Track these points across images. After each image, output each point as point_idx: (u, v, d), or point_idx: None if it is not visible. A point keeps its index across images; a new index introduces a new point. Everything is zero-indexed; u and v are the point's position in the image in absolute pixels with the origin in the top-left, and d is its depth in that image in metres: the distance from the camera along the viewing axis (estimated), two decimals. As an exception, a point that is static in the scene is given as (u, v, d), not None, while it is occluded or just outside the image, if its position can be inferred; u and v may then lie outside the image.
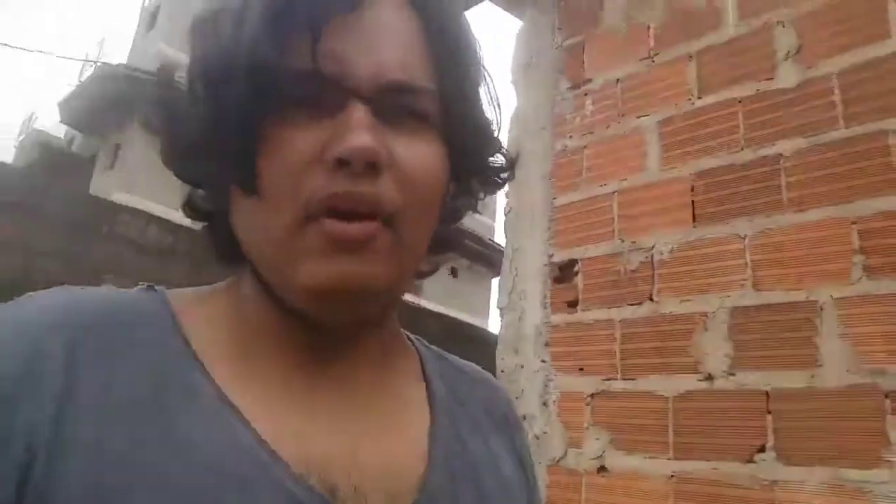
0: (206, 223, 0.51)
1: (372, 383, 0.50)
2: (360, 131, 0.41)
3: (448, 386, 0.55)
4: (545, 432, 1.66)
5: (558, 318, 1.74)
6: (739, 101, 1.60)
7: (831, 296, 1.35)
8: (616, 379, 1.59)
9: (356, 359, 0.49)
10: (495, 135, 0.52)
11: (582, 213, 1.80)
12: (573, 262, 1.77)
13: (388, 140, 0.42)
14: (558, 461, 1.62)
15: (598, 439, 1.58)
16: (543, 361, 1.74)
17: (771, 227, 1.47)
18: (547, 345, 1.74)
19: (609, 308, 1.66)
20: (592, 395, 1.62)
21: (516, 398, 1.71)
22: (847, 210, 1.37)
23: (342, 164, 0.41)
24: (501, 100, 0.52)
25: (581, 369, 1.66)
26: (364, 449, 0.45)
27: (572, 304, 1.73)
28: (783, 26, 1.57)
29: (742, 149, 1.56)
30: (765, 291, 1.44)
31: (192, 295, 0.49)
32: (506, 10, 2.34)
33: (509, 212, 1.96)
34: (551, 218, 1.86)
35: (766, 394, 1.38)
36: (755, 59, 1.60)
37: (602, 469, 1.55)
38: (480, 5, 2.46)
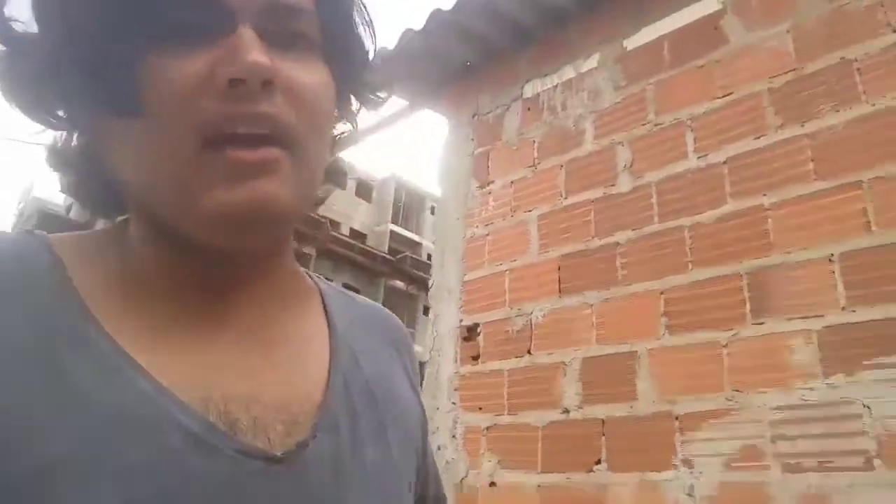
0: (76, 177, 0.48)
1: (271, 318, 0.49)
2: (252, 50, 0.40)
3: (347, 318, 0.55)
4: (453, 458, 2.14)
5: (465, 369, 2.24)
6: (592, 202, 2.14)
7: (646, 348, 1.86)
8: (504, 415, 2.08)
9: (254, 295, 0.48)
10: (371, 55, 0.52)
11: (484, 287, 2.32)
12: (476, 325, 2.28)
13: (277, 62, 0.42)
14: (461, 480, 2.10)
15: (489, 461, 2.06)
16: (454, 403, 2.23)
17: (608, 298, 1.99)
18: (456, 390, 2.23)
19: (501, 360, 2.16)
20: (487, 428, 2.11)
21: (432, 433, 2.19)
22: (657, 284, 1.89)
23: (236, 83, 0.40)
24: (374, 24, 0.52)
25: (480, 408, 2.15)
26: (265, 383, 0.45)
27: (475, 358, 2.24)
28: (622, 145, 2.13)
29: (593, 237, 2.09)
30: (603, 345, 1.94)
31: (75, 239, 0.47)
32: (443, 116, 2.92)
33: (433, 286, 2.48)
34: (462, 290, 2.38)
35: (602, 421, 1.87)
36: (603, 169, 2.15)
37: (492, 484, 2.02)
38: (423, 112, 3.04)
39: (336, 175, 0.55)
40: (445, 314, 2.39)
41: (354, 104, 0.54)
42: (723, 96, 1.93)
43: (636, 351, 1.87)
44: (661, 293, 1.88)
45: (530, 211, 2.29)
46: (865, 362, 1.47)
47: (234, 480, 0.40)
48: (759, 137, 1.83)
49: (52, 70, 0.43)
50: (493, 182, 2.46)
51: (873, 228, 1.55)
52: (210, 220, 0.41)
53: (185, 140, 0.40)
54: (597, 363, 1.93)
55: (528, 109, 2.44)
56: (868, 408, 1.44)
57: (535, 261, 2.21)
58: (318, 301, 0.55)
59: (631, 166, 2.09)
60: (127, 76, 0.40)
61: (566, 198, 2.21)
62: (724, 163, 1.88)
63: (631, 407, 1.82)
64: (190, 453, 0.39)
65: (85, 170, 0.47)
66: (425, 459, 0.59)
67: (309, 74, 0.44)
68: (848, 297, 1.54)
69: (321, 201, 0.55)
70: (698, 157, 1.95)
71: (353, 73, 0.51)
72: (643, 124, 2.09)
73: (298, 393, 0.46)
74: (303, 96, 0.43)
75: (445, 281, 2.45)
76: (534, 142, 2.39)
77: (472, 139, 2.62)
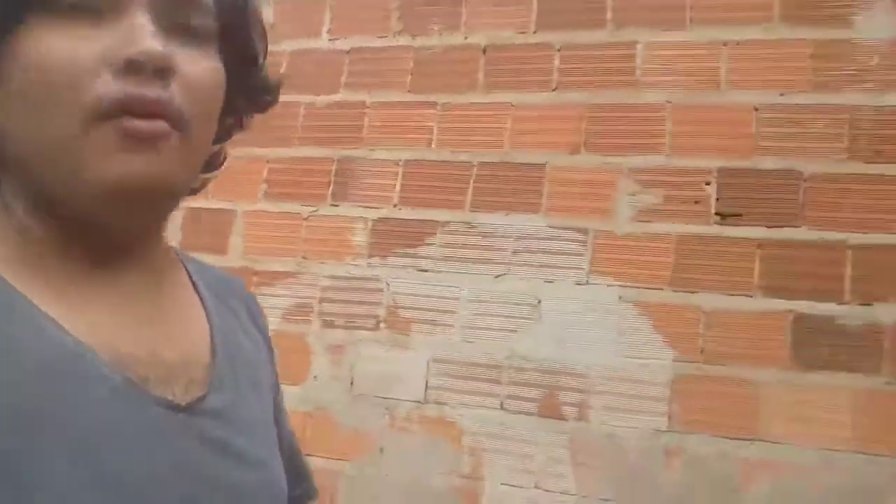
0: None
1: (154, 288, 0.51)
2: (149, 36, 0.41)
3: (210, 288, 0.58)
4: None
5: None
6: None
7: (243, 209, 2.05)
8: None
9: (137, 268, 0.49)
10: (263, 59, 0.53)
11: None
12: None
13: (172, 50, 0.43)
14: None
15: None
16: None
17: (220, 156, 2.10)
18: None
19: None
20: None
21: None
22: (266, 152, 2.06)
23: (132, 67, 0.40)
24: (265, 29, 0.54)
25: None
26: (162, 348, 0.48)
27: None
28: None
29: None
30: (209, 201, 2.09)
31: None
32: None
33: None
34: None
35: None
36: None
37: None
38: None
39: (216, 164, 0.55)
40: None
41: (242, 102, 0.54)
42: (357, -10, 2.05)
43: (235, 210, 2.05)
44: (267, 161, 2.05)
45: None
46: (395, 251, 1.87)
47: (149, 425, 0.44)
48: (381, 37, 2.03)
49: None
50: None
51: (433, 146, 1.90)
52: (97, 192, 0.42)
53: (77, 114, 0.41)
54: (200, 215, 2.07)
55: None
56: (388, 284, 1.86)
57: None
58: (184, 271, 0.57)
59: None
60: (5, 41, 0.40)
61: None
62: (348, 52, 2.05)
63: (222, 258, 2.03)
64: (114, 402, 0.42)
65: None
66: (280, 406, 0.65)
67: (202, 65, 0.45)
68: (400, 198, 1.90)
69: (201, 188, 0.54)
70: (329, 40, 2.08)
71: (244, 72, 0.51)
72: (290, -7, 2.13)
73: (190, 356, 0.50)
74: (195, 86, 0.44)
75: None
76: None
77: None
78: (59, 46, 0.41)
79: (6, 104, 0.43)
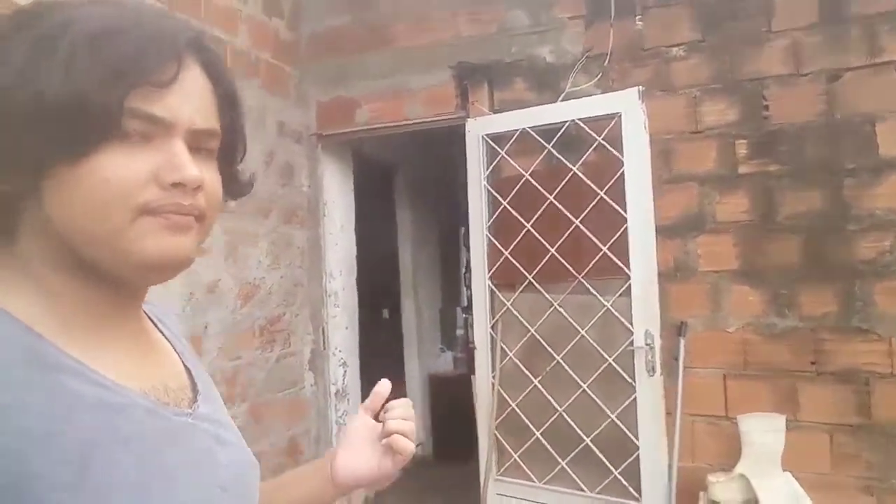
0: None
1: (146, 330, 0.68)
2: (190, 165, 0.57)
3: (158, 319, 0.73)
4: None
5: None
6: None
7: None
8: None
9: (135, 314, 0.66)
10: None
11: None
12: None
13: (200, 170, 0.59)
14: None
15: None
16: None
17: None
18: None
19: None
20: None
21: None
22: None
23: (177, 185, 0.56)
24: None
25: None
26: (165, 377, 0.65)
27: None
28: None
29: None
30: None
31: None
32: None
33: None
34: None
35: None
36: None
37: None
38: None
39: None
40: None
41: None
42: None
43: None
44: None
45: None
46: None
47: (176, 429, 0.61)
48: None
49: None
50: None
51: None
52: (141, 264, 0.57)
53: (129, 213, 0.55)
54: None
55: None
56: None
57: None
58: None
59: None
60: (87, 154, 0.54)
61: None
62: None
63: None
64: (151, 418, 0.59)
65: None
66: None
67: (213, 175, 0.62)
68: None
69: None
70: None
71: (231, 175, 0.68)
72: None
73: (180, 379, 0.68)
74: (210, 192, 0.61)
75: None
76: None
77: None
78: (120, 164, 0.55)
79: (71, 201, 0.55)
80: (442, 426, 4.83)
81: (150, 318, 0.71)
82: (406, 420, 0.81)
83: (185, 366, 0.71)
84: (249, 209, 3.01)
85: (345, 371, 3.60)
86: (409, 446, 0.80)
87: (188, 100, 0.59)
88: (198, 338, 2.65)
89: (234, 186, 0.69)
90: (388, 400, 0.85)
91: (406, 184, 5.15)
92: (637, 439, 2.65)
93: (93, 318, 0.59)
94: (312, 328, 3.46)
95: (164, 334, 0.72)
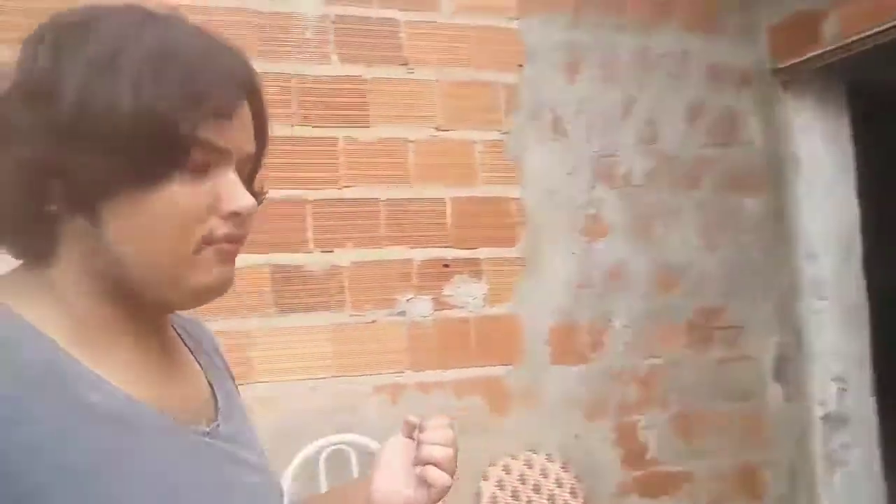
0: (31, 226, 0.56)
1: (169, 347, 0.66)
2: (246, 194, 0.58)
3: (187, 334, 0.72)
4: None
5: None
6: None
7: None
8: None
9: (158, 333, 0.65)
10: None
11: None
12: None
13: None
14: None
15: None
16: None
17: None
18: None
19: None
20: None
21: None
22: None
23: (235, 215, 0.58)
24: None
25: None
26: (186, 396, 0.64)
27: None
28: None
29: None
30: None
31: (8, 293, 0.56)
32: None
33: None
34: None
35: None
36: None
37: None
38: None
39: None
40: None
41: None
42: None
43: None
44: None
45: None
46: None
47: (192, 448, 0.61)
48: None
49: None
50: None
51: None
52: (196, 292, 0.59)
53: (191, 244, 0.57)
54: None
55: None
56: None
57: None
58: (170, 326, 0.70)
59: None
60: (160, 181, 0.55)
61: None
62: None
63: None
64: (167, 436, 0.59)
65: (44, 227, 0.57)
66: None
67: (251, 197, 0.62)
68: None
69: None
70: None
71: (252, 190, 0.67)
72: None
73: (202, 397, 0.67)
74: (251, 216, 0.61)
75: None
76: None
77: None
78: (188, 193, 0.55)
79: (136, 227, 0.55)
80: None
81: (175, 329, 0.70)
82: (444, 446, 0.69)
83: (209, 382, 0.69)
84: (666, 180, 2.50)
85: (840, 389, 2.60)
86: (442, 479, 0.68)
87: (244, 131, 0.60)
88: (601, 330, 2.36)
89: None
90: None
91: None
92: None
93: (114, 335, 0.59)
94: (779, 326, 2.63)
95: (188, 346, 0.70)
